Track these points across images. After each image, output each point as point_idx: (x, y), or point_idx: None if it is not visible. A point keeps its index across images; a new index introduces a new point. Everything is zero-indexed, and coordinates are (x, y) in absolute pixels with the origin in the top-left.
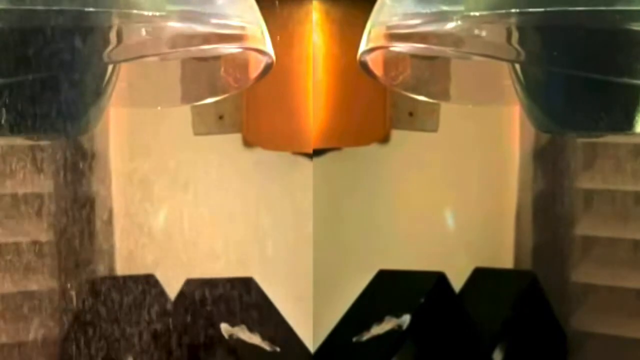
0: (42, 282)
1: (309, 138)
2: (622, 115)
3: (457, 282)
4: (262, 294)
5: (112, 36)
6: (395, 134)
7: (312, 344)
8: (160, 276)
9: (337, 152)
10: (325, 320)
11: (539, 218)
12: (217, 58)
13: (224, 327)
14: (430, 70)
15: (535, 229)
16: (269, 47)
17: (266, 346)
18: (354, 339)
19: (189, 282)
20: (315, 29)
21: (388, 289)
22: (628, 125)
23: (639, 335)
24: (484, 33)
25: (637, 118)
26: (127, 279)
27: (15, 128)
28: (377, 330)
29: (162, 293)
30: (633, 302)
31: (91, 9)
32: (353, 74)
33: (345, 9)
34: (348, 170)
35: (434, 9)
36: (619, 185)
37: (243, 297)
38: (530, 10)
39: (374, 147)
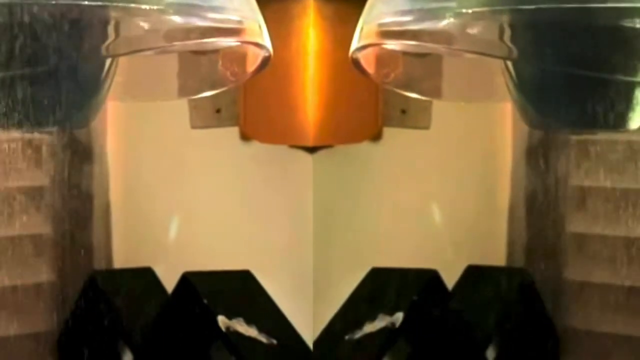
0: (40, 275)
1: (306, 131)
2: (615, 113)
3: (450, 279)
4: (260, 287)
5: (110, 30)
6: (388, 132)
7: (311, 337)
8: (157, 269)
9: (329, 150)
10: (318, 316)
11: (532, 215)
12: (214, 52)
13: (221, 320)
14: (422, 68)
15: (527, 227)
16: (266, 41)
17: (263, 339)
18: (347, 337)
19: (186, 275)
20: (309, 24)
21: (381, 287)
22: (621, 123)
23: (631, 332)
24: (476, 30)
25: (629, 115)
26: (124, 272)
27: (13, 121)
28: (369, 327)
29: (159, 286)
30: (625, 299)
31: (89, 3)
32: (345, 71)
33: (337, 6)
34: (340, 168)
35: (426, 6)
36: (612, 183)
37: (240, 290)
38: (523, 7)
39: (366, 145)
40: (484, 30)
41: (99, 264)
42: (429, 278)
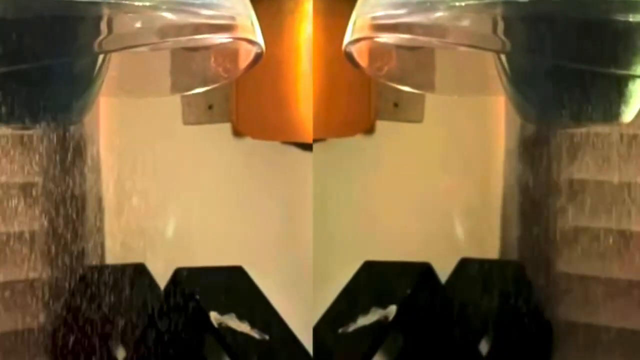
0: (32, 272)
1: (299, 127)
2: (608, 106)
3: (443, 272)
4: (252, 283)
5: (103, 26)
6: (380, 125)
7: (310, 335)
8: (150, 265)
9: (322, 144)
10: (317, 311)
11: (525, 208)
12: (207, 48)
13: (214, 316)
14: (415, 61)
15: (521, 220)
16: (258, 37)
17: (255, 334)
18: (340, 330)
19: (179, 271)
20: (302, 19)
21: (374, 280)
22: (614, 116)
23: (624, 325)
24: (469, 23)
25: (622, 108)
26: (116, 268)
27: (5, 117)
28: (363, 321)
29: (151, 282)
30: (618, 292)
31: None
32: (337, 65)
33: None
34: (333, 162)
35: None
36: (605, 176)
37: (232, 286)
38: (516, 0)
39: (358, 138)
40: (477, 23)
41: (91, 261)
42: (422, 271)
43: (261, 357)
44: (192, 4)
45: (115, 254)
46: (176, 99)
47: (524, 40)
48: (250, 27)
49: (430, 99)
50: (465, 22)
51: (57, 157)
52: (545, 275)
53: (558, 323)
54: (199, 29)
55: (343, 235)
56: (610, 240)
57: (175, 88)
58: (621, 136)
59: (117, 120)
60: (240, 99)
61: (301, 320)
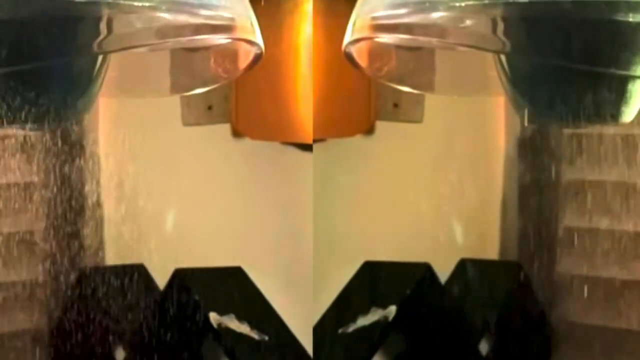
0: (31, 273)
1: (299, 128)
2: (608, 106)
3: (443, 272)
4: (251, 284)
5: (102, 26)
6: (380, 125)
7: (310, 335)
8: (149, 266)
9: (322, 145)
10: (317, 312)
11: (525, 209)
12: (206, 48)
13: (213, 316)
14: (415, 61)
15: (521, 220)
16: (258, 38)
17: (255, 335)
18: (340, 330)
19: (178, 272)
20: (302, 20)
21: (374, 281)
22: (614, 116)
23: (624, 325)
24: (469, 23)
25: (622, 108)
26: (116, 268)
27: (5, 117)
28: (363, 321)
29: (151, 283)
30: (618, 293)
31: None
32: (337, 65)
33: (329, 0)
34: (333, 163)
35: None
36: (605, 176)
37: (232, 287)
38: (516, 0)
39: (358, 138)
40: (477, 24)
41: (90, 261)
42: (423, 271)
43: (261, 358)
44: (192, 5)
45: (114, 254)
46: (175, 99)
47: (524, 40)
48: (250, 27)
49: (430, 99)
50: (465, 23)
51: (57, 157)
52: (545, 275)
53: (558, 323)
54: (198, 29)
55: (343, 235)
56: (610, 241)
57: (175, 88)
58: (621, 136)
59: (116, 121)
60: (239, 99)
61: (301, 320)
